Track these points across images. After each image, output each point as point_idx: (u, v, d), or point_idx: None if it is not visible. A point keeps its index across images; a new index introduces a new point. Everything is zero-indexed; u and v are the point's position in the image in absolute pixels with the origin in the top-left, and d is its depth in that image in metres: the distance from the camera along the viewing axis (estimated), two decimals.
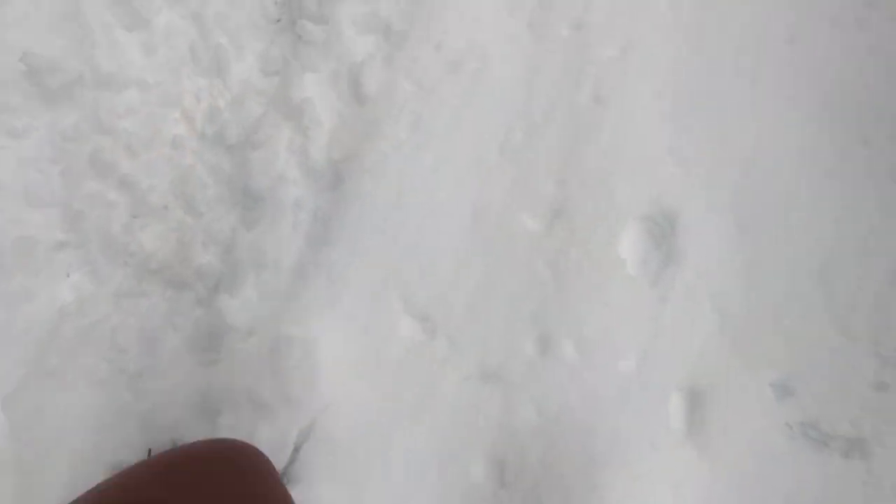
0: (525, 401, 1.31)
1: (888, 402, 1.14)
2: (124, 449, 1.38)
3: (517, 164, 1.52)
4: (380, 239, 1.45)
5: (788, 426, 1.21)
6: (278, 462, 1.26)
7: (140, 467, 0.75)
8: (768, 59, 1.51)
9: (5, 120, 1.49)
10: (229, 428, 1.33)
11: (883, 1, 1.44)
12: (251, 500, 0.72)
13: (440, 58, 1.65)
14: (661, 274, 1.35)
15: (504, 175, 1.51)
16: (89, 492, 0.69)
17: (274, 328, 1.39)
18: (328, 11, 1.69)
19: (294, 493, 1.05)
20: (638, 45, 1.60)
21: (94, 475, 1.32)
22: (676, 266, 1.34)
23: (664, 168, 1.45)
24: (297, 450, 1.28)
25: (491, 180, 1.51)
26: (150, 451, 1.36)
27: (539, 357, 1.33)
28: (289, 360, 1.33)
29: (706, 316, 1.31)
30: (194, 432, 1.40)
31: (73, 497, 0.68)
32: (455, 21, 1.69)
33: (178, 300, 1.53)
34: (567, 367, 1.32)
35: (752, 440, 1.23)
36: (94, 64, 1.62)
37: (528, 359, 1.33)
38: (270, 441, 1.27)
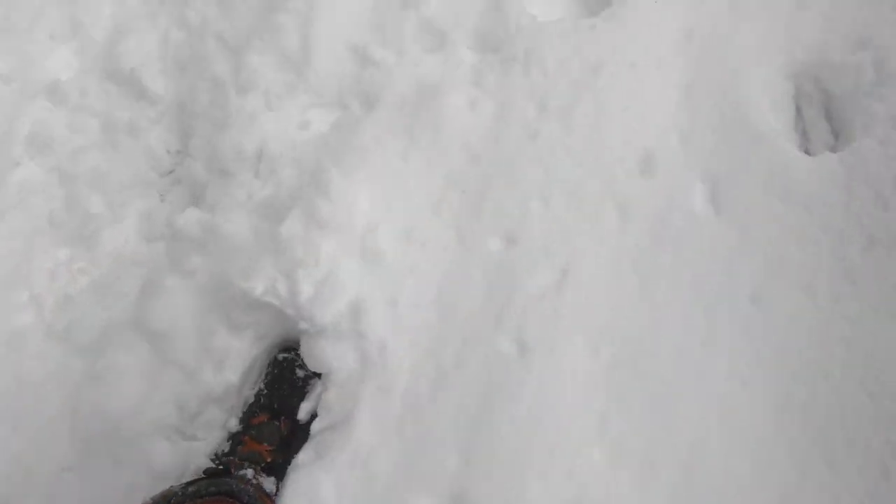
0: None
1: None
2: None
3: (418, 421, 1.25)
4: None
5: None
6: None
7: None
8: (725, 318, 1.27)
9: None
10: None
11: (865, 278, 1.20)
12: None
13: None
14: None
15: (401, 435, 1.25)
16: None
17: None
18: (217, 194, 1.40)
19: None
20: (576, 274, 1.34)
21: None
22: None
23: (591, 454, 1.19)
24: None
25: (386, 441, 1.24)
26: None
27: None
28: None
29: None
30: None
31: None
32: (365, 212, 1.42)
33: None
34: None
35: None
36: None
37: None
38: None
